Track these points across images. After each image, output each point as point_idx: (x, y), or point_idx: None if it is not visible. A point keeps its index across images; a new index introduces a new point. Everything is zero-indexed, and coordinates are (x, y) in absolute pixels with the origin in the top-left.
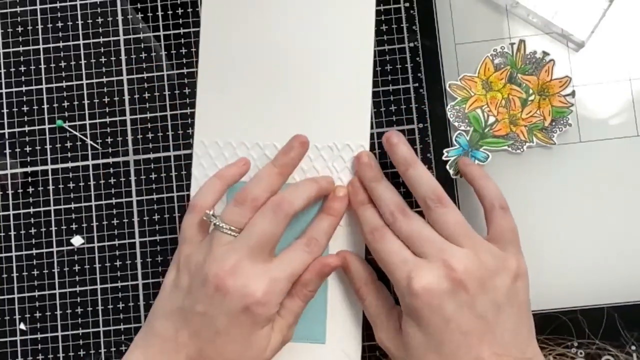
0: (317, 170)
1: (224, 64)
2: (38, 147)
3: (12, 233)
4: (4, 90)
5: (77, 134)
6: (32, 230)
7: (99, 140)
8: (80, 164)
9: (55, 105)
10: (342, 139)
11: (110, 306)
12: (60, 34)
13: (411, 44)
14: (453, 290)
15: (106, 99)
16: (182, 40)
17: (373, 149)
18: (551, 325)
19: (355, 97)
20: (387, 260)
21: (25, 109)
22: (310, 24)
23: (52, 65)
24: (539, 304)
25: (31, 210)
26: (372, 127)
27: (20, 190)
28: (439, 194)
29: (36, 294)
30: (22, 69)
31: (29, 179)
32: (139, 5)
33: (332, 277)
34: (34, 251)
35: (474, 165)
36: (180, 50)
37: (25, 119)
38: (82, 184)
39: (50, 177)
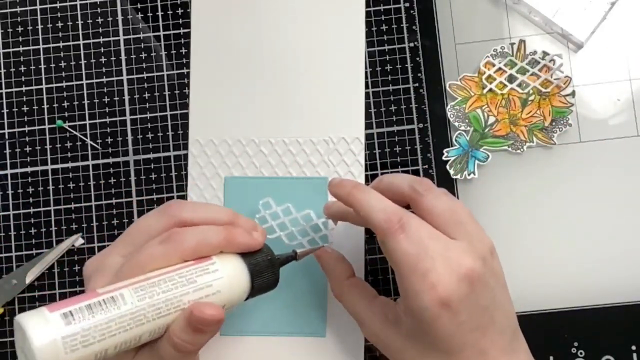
0: (313, 164)
1: (217, 61)
2: (38, 147)
3: (12, 233)
4: (4, 90)
5: (77, 134)
6: (32, 230)
7: (99, 140)
8: (80, 164)
9: (55, 105)
10: (337, 132)
11: None
12: (60, 34)
13: (411, 44)
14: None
15: (106, 99)
16: (182, 40)
17: (372, 149)
18: (551, 325)
19: (349, 90)
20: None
21: (25, 109)
22: (301, 18)
23: (52, 65)
24: (539, 304)
25: (31, 210)
26: (372, 127)
27: (20, 190)
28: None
29: (36, 294)
30: (22, 69)
31: (29, 179)
32: (139, 5)
33: None
34: (34, 251)
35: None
36: (180, 50)
37: (25, 119)
38: (82, 184)
39: (50, 177)
